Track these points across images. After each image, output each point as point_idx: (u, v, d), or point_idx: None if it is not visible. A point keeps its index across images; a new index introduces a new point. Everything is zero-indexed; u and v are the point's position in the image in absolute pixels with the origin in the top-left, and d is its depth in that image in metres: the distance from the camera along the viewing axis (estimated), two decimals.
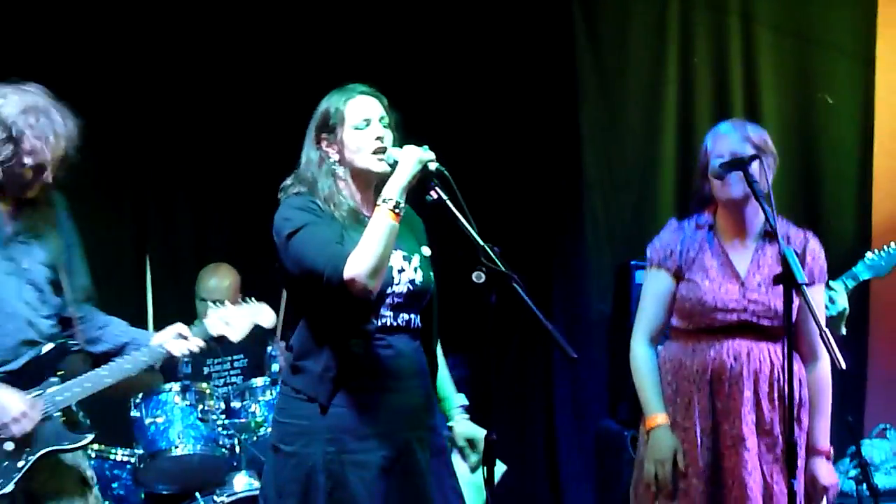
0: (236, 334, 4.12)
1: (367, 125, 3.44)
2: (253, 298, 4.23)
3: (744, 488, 3.80)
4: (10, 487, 3.68)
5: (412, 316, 3.48)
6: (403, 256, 3.47)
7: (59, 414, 3.80)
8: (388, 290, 3.41)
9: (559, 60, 6.17)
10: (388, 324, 3.43)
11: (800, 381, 3.90)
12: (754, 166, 3.80)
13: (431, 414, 3.57)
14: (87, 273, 4.00)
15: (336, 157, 3.45)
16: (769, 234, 3.92)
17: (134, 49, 6.27)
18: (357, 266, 3.22)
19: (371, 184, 3.45)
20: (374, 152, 3.41)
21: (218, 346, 4.87)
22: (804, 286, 3.47)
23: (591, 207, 6.11)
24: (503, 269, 3.21)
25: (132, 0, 6.21)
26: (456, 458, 3.75)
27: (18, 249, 3.81)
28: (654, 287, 4.04)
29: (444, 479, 3.51)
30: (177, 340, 3.94)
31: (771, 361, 3.87)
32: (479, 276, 3.20)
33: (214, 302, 5.57)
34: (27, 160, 3.70)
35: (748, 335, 3.88)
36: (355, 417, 3.37)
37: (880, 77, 6.15)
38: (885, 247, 4.87)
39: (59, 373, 3.84)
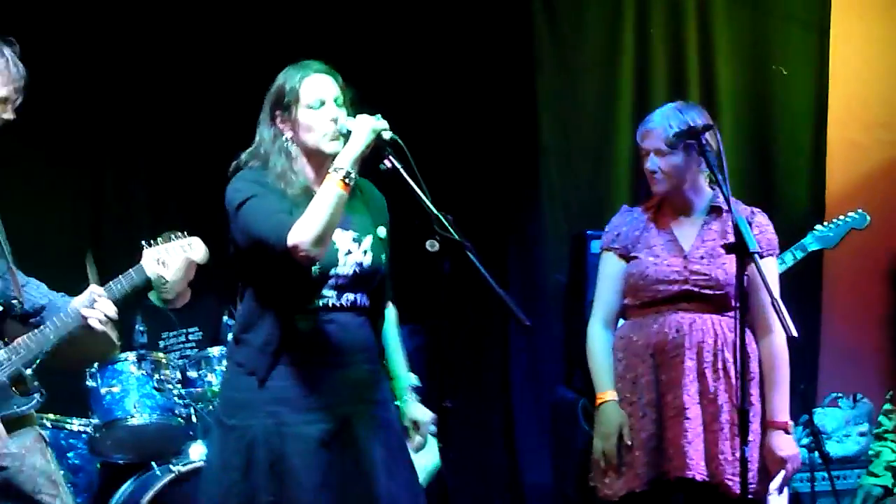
0: (171, 272, 3.94)
1: (322, 105, 3.42)
2: (185, 232, 4.01)
3: (684, 457, 3.85)
4: None
5: (357, 296, 3.48)
6: (353, 238, 3.47)
7: (5, 379, 3.75)
8: (332, 272, 3.41)
9: (516, 29, 6.17)
10: (331, 304, 3.43)
11: (749, 355, 3.92)
12: (708, 136, 3.83)
13: (377, 388, 3.56)
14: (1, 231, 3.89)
15: (290, 134, 3.44)
16: (715, 210, 4.00)
17: (93, 25, 6.22)
18: (301, 233, 3.22)
19: (324, 163, 3.42)
20: (330, 136, 3.39)
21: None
22: (756, 255, 3.52)
23: (548, 176, 6.13)
24: (456, 237, 3.21)
25: None
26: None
27: None
28: (606, 269, 4.13)
29: (392, 451, 3.50)
30: (90, 309, 3.79)
31: (714, 332, 3.92)
32: (432, 245, 3.21)
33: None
34: None
35: (691, 306, 3.94)
36: (294, 391, 3.38)
37: (835, 47, 6.17)
38: (835, 219, 4.93)
39: (3, 338, 3.79)
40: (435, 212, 3.24)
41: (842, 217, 4.91)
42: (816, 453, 5.25)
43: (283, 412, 3.35)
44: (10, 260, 3.85)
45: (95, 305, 3.76)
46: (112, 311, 3.78)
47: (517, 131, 6.21)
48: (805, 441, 5.41)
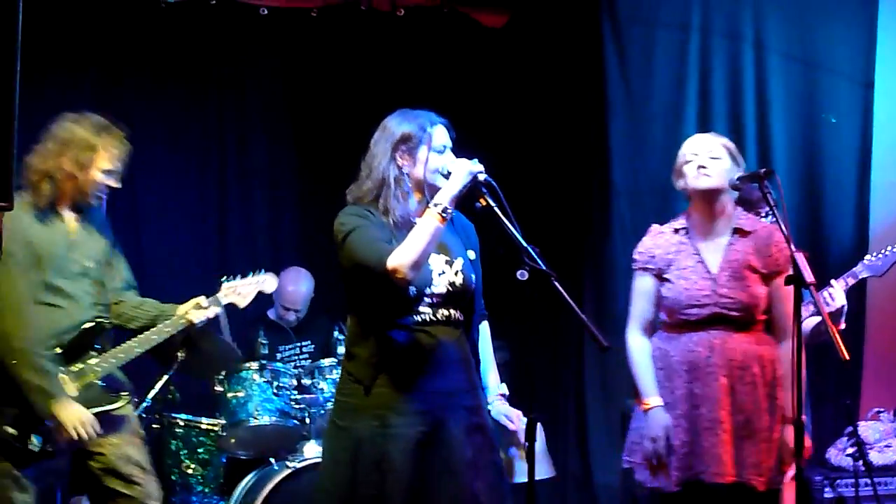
0: (244, 302, 4.44)
1: (444, 151, 3.47)
2: (263, 270, 4.53)
3: (720, 465, 3.85)
4: (64, 445, 3.97)
5: (452, 312, 3.49)
6: (446, 261, 3.49)
7: (98, 381, 4.07)
8: (427, 290, 3.43)
9: (592, 84, 6.19)
10: (428, 319, 3.44)
11: (772, 361, 3.93)
12: (769, 179, 3.79)
13: (471, 396, 3.54)
14: (128, 266, 4.30)
15: (407, 169, 3.47)
16: (738, 231, 3.99)
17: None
18: (400, 257, 3.25)
19: (425, 195, 3.48)
20: (443, 176, 3.43)
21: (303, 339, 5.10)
22: (812, 285, 3.48)
23: (619, 213, 6.10)
24: (544, 268, 3.21)
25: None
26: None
27: (80, 251, 4.10)
28: (640, 287, 4.13)
29: (481, 453, 3.48)
30: (195, 310, 4.21)
31: (743, 350, 3.91)
32: (522, 275, 3.21)
33: (294, 310, 5.75)
34: (99, 177, 4.04)
35: (721, 326, 3.93)
36: (395, 397, 3.39)
37: (878, 99, 6.09)
38: (883, 250, 4.84)
39: (96, 347, 4.11)
40: (525, 245, 3.24)
41: (891, 248, 4.82)
42: (860, 462, 5.18)
43: (387, 416, 3.38)
44: (113, 290, 4.24)
45: (196, 314, 4.21)
46: (213, 314, 4.26)
47: (593, 173, 6.21)
48: (850, 451, 5.33)
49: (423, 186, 3.48)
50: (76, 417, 3.91)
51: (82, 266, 4.08)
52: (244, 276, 4.47)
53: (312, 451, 5.14)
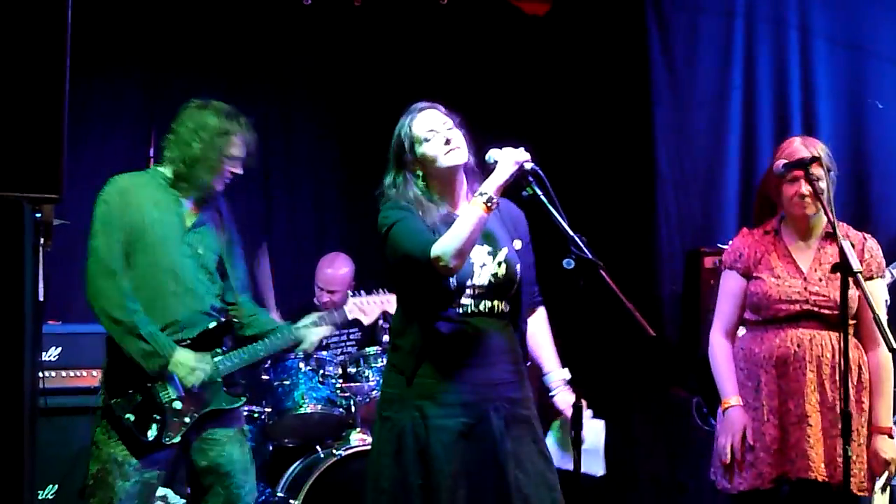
0: (368, 319, 4.45)
1: (434, 134, 3.46)
2: (385, 289, 4.46)
3: (807, 459, 3.79)
4: (177, 439, 4.06)
5: (496, 303, 3.49)
6: (488, 252, 3.50)
7: (220, 380, 4.14)
8: (469, 283, 3.44)
9: (636, 72, 6.16)
10: (470, 310, 3.45)
11: (859, 365, 3.86)
12: (814, 167, 3.76)
13: (517, 388, 3.54)
14: (244, 268, 4.35)
15: (420, 172, 3.50)
16: (830, 235, 3.90)
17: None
18: (444, 246, 3.27)
19: (454, 181, 3.50)
20: (446, 153, 3.45)
21: (352, 326, 5.11)
22: (860, 276, 3.45)
23: (664, 200, 6.07)
24: (590, 256, 3.21)
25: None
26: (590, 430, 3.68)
27: (195, 238, 4.14)
28: (728, 287, 4.07)
29: (524, 445, 3.48)
30: (309, 329, 4.31)
31: (832, 347, 3.83)
32: (569, 263, 3.22)
33: (329, 292, 5.76)
34: (227, 163, 4.11)
35: (811, 324, 3.86)
36: (437, 388, 3.42)
37: None
38: None
39: (223, 346, 4.19)
40: (571, 234, 3.25)
41: None
42: None
43: (427, 406, 3.40)
44: (233, 289, 4.31)
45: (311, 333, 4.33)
46: (326, 333, 4.41)
47: (637, 160, 6.19)
48: None
49: (439, 174, 3.50)
50: (188, 369, 4.03)
51: (195, 252, 4.13)
52: (369, 293, 4.49)
53: (358, 439, 5.17)
